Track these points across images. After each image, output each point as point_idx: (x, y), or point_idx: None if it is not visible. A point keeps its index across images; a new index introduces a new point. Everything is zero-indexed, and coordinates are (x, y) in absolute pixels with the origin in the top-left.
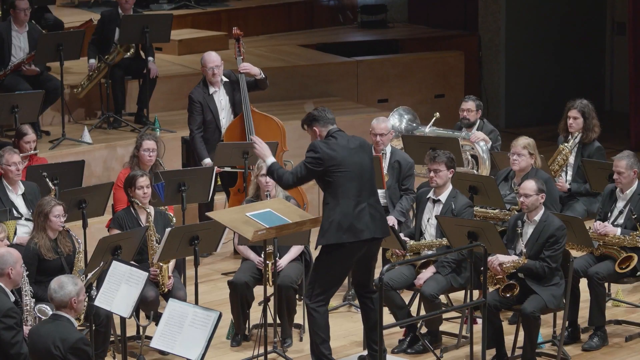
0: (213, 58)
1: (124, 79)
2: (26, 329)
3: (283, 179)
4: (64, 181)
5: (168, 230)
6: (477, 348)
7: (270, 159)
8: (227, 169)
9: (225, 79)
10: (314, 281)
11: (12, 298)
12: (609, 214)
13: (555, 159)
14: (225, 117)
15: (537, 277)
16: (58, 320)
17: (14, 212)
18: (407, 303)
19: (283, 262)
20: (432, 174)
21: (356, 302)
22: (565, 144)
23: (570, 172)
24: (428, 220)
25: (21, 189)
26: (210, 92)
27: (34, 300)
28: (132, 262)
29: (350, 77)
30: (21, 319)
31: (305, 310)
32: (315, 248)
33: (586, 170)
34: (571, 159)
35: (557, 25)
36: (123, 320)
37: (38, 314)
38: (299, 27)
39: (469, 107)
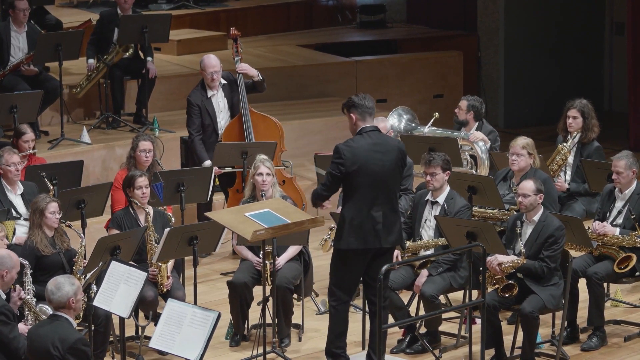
0: (213, 62)
1: (123, 79)
2: (26, 328)
3: (315, 192)
4: (62, 181)
5: (167, 230)
6: (476, 348)
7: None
8: (228, 169)
9: (223, 82)
10: (330, 278)
11: (4, 296)
12: (608, 214)
13: (554, 158)
14: (223, 119)
15: (536, 277)
16: (57, 320)
17: (13, 212)
18: (406, 303)
19: (281, 261)
20: (428, 177)
21: (355, 302)
22: (564, 144)
23: (569, 172)
24: (425, 222)
25: (20, 189)
26: (209, 96)
27: (35, 300)
28: (131, 262)
29: (349, 77)
30: (13, 314)
31: (303, 310)
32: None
33: (585, 170)
34: (570, 159)
35: (555, 25)
36: (122, 320)
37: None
38: (297, 27)
39: (461, 105)
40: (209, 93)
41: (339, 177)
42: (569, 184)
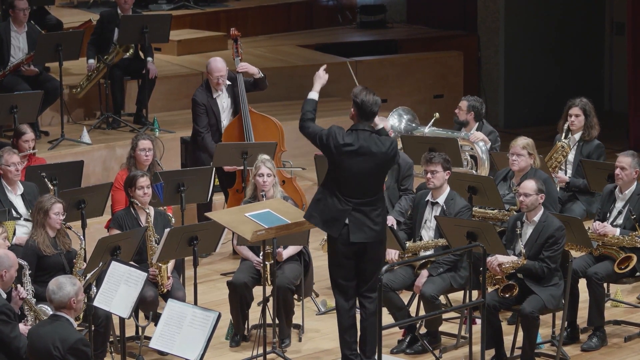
0: (220, 67)
1: (123, 79)
2: (26, 329)
3: (304, 120)
4: (62, 181)
5: (167, 230)
6: (476, 348)
7: (313, 94)
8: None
9: (228, 82)
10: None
11: (4, 295)
12: (608, 214)
13: (551, 156)
14: (226, 118)
15: (536, 277)
16: (57, 320)
17: (13, 212)
18: (406, 303)
19: (285, 253)
20: (429, 175)
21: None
22: (562, 141)
23: (569, 170)
24: (425, 222)
25: (20, 189)
26: (214, 96)
27: (35, 300)
28: (131, 263)
29: (349, 77)
30: (14, 314)
31: (303, 310)
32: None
33: (585, 170)
34: (571, 156)
35: (556, 25)
36: (122, 320)
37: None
38: (298, 28)
39: (461, 105)
40: (214, 94)
41: (316, 145)
42: (569, 177)
